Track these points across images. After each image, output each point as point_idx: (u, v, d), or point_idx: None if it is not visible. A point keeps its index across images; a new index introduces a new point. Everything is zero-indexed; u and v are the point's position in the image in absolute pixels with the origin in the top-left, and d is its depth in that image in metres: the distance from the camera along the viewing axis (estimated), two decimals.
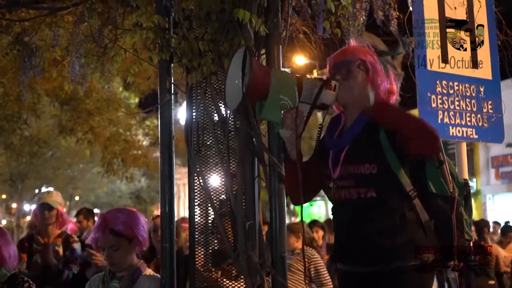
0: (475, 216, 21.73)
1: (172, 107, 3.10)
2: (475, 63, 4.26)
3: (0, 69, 7.04)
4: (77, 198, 30.27)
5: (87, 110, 9.03)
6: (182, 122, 3.24)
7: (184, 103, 3.06)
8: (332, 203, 2.76)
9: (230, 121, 2.91)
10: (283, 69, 3.04)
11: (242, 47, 2.64)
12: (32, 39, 4.52)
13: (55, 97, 8.58)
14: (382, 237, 2.55)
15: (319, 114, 2.87)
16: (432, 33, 4.12)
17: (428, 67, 4.11)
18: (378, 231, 2.56)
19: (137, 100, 13.88)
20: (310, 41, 4.36)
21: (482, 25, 4.25)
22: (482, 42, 4.28)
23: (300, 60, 10.86)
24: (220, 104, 2.95)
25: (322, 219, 16.31)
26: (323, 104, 2.64)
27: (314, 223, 8.64)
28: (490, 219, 16.30)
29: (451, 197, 2.59)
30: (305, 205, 2.72)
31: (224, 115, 2.93)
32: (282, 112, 2.61)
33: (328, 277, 5.37)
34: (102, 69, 4.28)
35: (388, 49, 9.62)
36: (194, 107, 3.04)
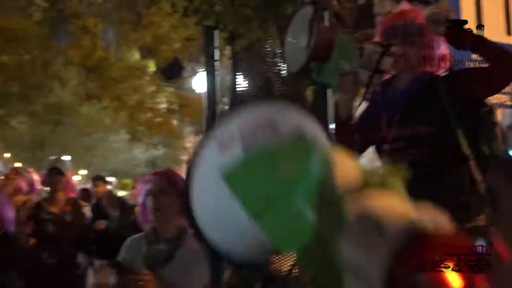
0: None
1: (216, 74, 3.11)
2: None
3: (28, 36, 7.02)
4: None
5: (113, 78, 8.98)
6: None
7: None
8: None
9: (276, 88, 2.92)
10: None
11: (306, 6, 2.60)
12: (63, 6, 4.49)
13: (81, 66, 8.53)
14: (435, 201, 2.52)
15: None
16: None
17: None
18: (431, 195, 2.53)
19: (153, 68, 13.66)
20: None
21: None
22: None
23: None
24: (265, 70, 2.95)
25: None
26: (380, 70, 2.62)
27: None
28: None
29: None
30: None
31: (270, 82, 2.93)
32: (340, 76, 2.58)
33: None
34: (136, 37, 4.26)
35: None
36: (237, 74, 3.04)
